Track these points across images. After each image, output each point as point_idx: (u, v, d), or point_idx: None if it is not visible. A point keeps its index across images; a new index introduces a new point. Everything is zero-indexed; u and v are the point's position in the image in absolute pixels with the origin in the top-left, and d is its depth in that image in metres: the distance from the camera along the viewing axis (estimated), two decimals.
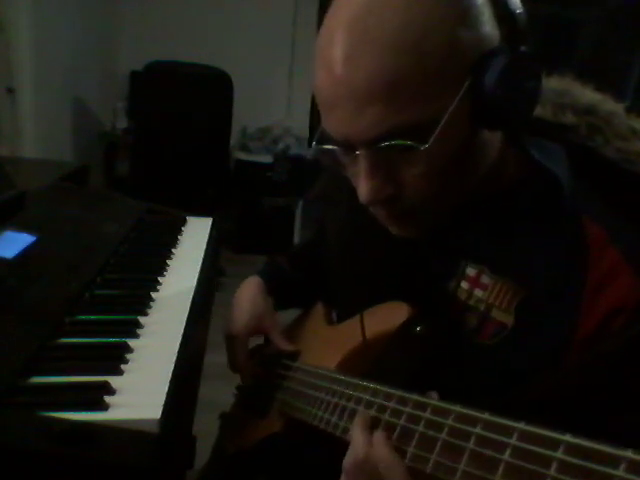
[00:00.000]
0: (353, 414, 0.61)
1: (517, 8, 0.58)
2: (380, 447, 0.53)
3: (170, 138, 3.08)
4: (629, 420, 0.52)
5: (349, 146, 0.60)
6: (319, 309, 0.93)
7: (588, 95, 0.69)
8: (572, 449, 0.39)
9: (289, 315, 1.02)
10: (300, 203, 3.64)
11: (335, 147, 0.62)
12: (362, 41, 0.55)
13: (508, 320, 0.63)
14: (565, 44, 3.85)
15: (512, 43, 0.57)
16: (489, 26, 0.57)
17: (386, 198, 0.61)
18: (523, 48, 0.58)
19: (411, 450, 0.51)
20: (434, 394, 0.55)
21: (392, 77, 0.54)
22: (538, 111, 0.68)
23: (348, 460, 0.56)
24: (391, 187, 0.61)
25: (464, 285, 0.67)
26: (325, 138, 0.62)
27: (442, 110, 0.55)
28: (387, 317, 0.70)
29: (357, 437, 0.56)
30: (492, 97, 0.56)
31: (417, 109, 0.55)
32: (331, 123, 0.60)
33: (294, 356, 0.87)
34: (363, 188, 0.60)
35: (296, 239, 3.63)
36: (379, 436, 0.54)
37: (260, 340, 0.97)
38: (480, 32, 0.56)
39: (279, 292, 0.95)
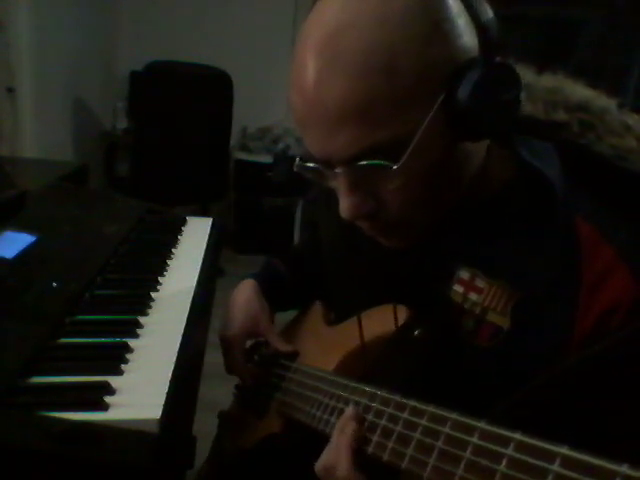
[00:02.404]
0: None
1: (487, 18, 0.57)
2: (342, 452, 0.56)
3: (170, 138, 3.08)
4: (628, 419, 0.52)
5: (328, 164, 0.60)
6: (318, 309, 0.93)
7: (580, 92, 0.69)
8: (568, 462, 0.39)
9: (288, 315, 1.02)
10: (300, 203, 3.64)
11: (316, 165, 0.62)
12: (332, 64, 0.54)
13: (504, 323, 0.63)
14: (565, 44, 3.85)
15: (487, 53, 0.57)
16: (465, 36, 0.56)
17: (367, 213, 0.61)
18: (498, 58, 0.57)
19: (408, 457, 0.51)
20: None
21: (363, 99, 0.54)
22: (529, 109, 0.67)
23: (319, 462, 0.60)
24: (372, 202, 0.61)
25: (458, 289, 0.67)
26: (308, 154, 0.62)
27: (417, 126, 0.55)
28: (384, 319, 0.70)
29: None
30: (466, 110, 0.55)
31: (390, 128, 0.55)
32: (308, 142, 0.61)
33: (292, 357, 0.87)
34: (344, 204, 0.61)
35: (296, 239, 3.63)
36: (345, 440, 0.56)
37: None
38: (453, 45, 0.56)
39: (275, 294, 0.94)
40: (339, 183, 0.60)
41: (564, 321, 0.59)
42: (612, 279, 0.58)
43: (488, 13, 0.58)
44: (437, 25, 0.55)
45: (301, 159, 0.64)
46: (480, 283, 0.65)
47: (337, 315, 0.86)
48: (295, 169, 0.65)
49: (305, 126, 0.59)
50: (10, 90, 2.29)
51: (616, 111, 0.67)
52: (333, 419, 0.65)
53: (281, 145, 3.56)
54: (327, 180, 0.64)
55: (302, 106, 0.58)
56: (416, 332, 0.66)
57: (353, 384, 0.65)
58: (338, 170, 0.59)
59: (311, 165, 0.63)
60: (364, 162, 0.57)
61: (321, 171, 0.63)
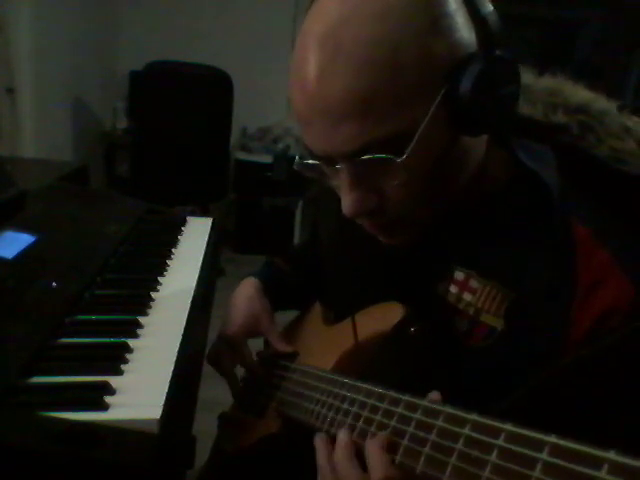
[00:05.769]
0: (346, 413, 0.62)
1: (488, 12, 0.58)
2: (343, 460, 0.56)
3: (170, 138, 3.08)
4: (627, 418, 0.52)
5: (329, 160, 0.60)
6: (317, 309, 0.93)
7: (580, 94, 0.69)
8: (556, 450, 0.39)
9: (288, 315, 1.02)
10: (300, 203, 3.64)
11: (317, 161, 0.62)
12: (334, 57, 0.54)
13: (498, 324, 0.63)
14: (565, 44, 3.86)
15: (487, 47, 0.57)
16: (464, 31, 0.57)
17: (369, 210, 0.61)
18: (498, 52, 0.57)
19: (402, 450, 0.51)
20: (435, 395, 0.55)
21: (366, 93, 0.54)
22: (528, 110, 0.67)
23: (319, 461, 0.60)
24: (374, 198, 0.61)
25: (453, 289, 0.67)
26: (308, 151, 0.62)
27: (419, 121, 0.55)
28: (382, 317, 0.70)
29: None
30: (468, 104, 0.55)
31: (393, 122, 0.55)
32: (309, 138, 0.60)
33: (292, 357, 0.87)
34: (346, 201, 0.60)
35: (296, 239, 3.63)
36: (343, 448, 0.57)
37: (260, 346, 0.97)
38: (454, 39, 0.56)
39: (276, 293, 0.94)
40: (341, 179, 0.60)
41: (558, 323, 0.59)
42: (608, 283, 0.58)
43: (487, 7, 0.58)
44: (438, 19, 0.55)
45: (301, 156, 0.64)
46: (474, 284, 0.65)
47: (335, 314, 0.86)
48: (295, 167, 0.65)
49: (306, 121, 0.59)
50: (10, 90, 2.29)
51: (616, 113, 0.67)
52: (330, 415, 0.65)
53: (281, 145, 3.56)
54: (328, 177, 0.63)
55: (303, 100, 0.58)
56: (412, 329, 0.66)
57: (350, 382, 0.65)
58: (340, 166, 0.59)
59: (312, 162, 0.62)
60: (367, 156, 0.56)
61: (322, 168, 0.62)
